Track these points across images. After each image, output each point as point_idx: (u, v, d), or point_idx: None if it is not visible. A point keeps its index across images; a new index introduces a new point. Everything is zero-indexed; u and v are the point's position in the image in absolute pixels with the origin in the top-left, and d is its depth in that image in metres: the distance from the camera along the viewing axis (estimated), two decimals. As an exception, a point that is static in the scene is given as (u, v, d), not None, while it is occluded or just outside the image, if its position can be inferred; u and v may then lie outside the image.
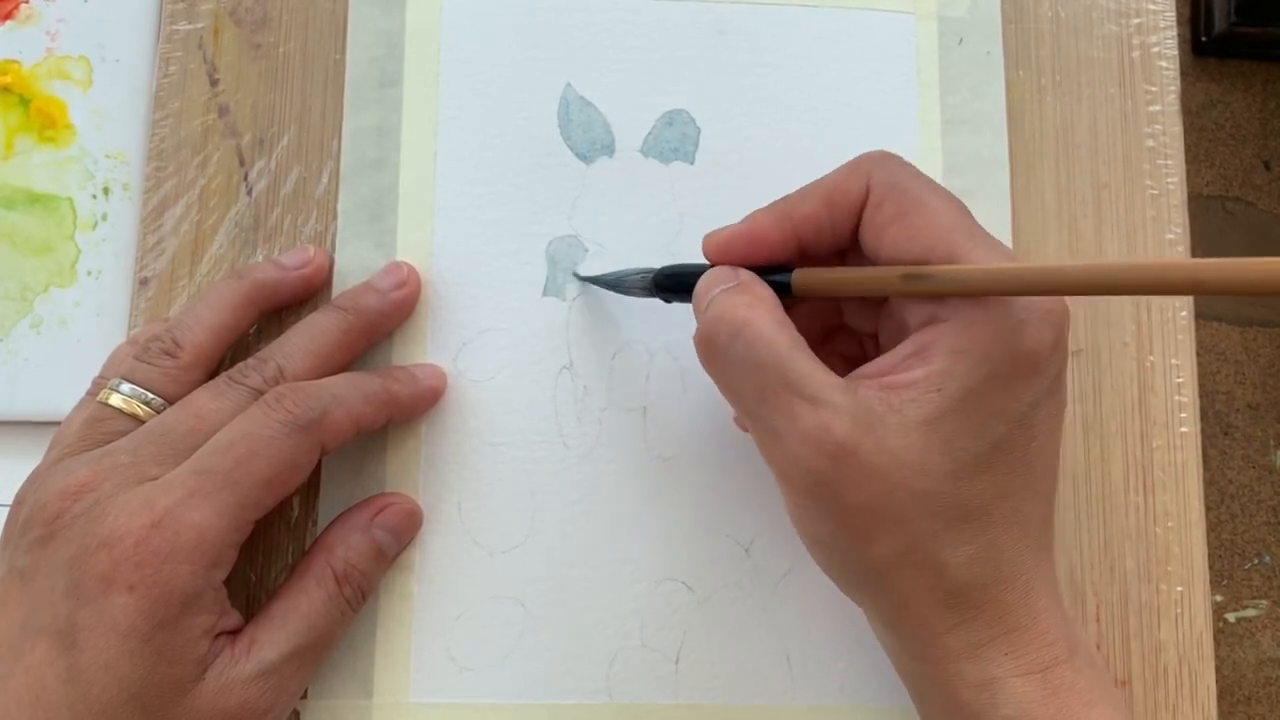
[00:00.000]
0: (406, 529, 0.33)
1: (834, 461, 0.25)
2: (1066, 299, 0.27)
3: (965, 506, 0.26)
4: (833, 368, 0.27)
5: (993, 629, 0.26)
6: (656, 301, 0.32)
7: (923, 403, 0.25)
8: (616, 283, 0.33)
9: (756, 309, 0.27)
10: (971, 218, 0.27)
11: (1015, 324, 0.25)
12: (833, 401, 0.25)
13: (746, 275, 0.29)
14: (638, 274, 0.32)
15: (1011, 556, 0.26)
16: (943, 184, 0.35)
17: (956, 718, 0.27)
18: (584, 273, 0.34)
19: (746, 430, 0.31)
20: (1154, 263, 0.23)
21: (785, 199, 0.29)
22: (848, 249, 0.29)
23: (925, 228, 0.27)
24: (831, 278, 0.28)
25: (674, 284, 0.31)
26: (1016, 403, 0.26)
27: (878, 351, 0.30)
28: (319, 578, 0.30)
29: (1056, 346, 0.26)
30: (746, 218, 0.29)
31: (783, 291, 0.28)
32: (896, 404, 0.25)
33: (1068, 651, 0.26)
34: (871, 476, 0.25)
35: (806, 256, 0.29)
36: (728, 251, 0.29)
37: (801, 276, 0.28)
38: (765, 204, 0.29)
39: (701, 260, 0.30)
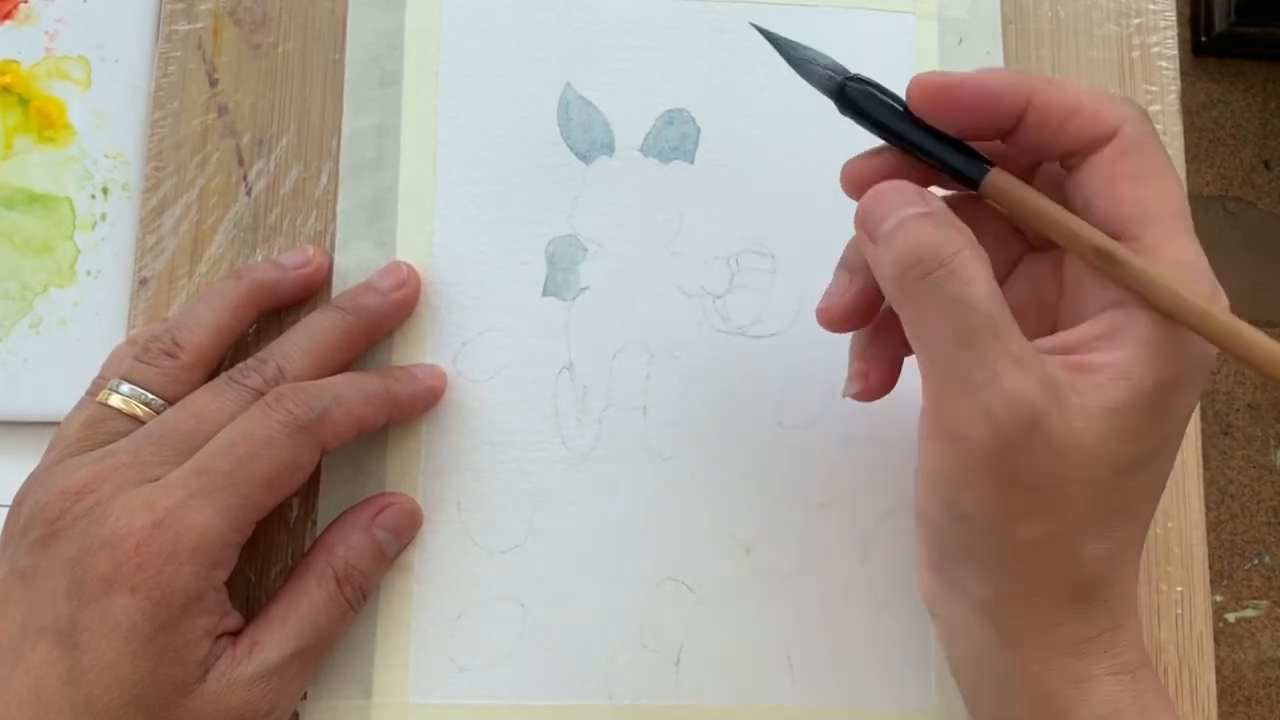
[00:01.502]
0: (407, 529, 0.32)
1: (1024, 430, 0.24)
2: None
3: (1120, 502, 0.25)
4: None
5: (1100, 625, 0.26)
6: (657, 302, 0.32)
7: (1109, 390, 0.24)
8: (799, 61, 0.29)
9: (969, 250, 0.25)
10: (1186, 206, 0.26)
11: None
12: (1035, 368, 0.24)
13: (938, 203, 0.26)
14: (825, 62, 0.28)
15: (1132, 554, 0.26)
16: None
17: (1040, 714, 0.26)
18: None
19: (868, 395, 0.29)
20: None
21: (1038, 76, 0.27)
22: (1043, 174, 0.28)
23: (1155, 200, 0.25)
24: (1028, 197, 0.26)
25: (862, 108, 0.27)
26: (1186, 407, 0.26)
27: (1046, 318, 0.28)
28: (320, 578, 0.30)
29: (1215, 356, 0.26)
30: (980, 72, 0.27)
31: (967, 184, 0.26)
32: (1081, 386, 0.24)
33: (1144, 656, 0.26)
34: (1050, 453, 0.24)
35: (1003, 155, 0.27)
36: (941, 103, 0.26)
37: (999, 181, 0.26)
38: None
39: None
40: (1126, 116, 0.26)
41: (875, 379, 0.30)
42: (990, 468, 0.24)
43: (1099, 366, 0.25)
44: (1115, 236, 0.25)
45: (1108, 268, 0.25)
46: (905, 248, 0.25)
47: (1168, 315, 0.25)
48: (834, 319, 0.29)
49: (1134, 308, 0.25)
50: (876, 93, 0.27)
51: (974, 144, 0.27)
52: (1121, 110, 0.26)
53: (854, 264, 0.29)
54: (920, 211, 0.25)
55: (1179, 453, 0.35)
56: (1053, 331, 0.26)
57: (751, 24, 0.30)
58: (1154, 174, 0.26)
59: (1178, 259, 0.25)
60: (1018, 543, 0.25)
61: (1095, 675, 0.26)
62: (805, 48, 0.29)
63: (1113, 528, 0.25)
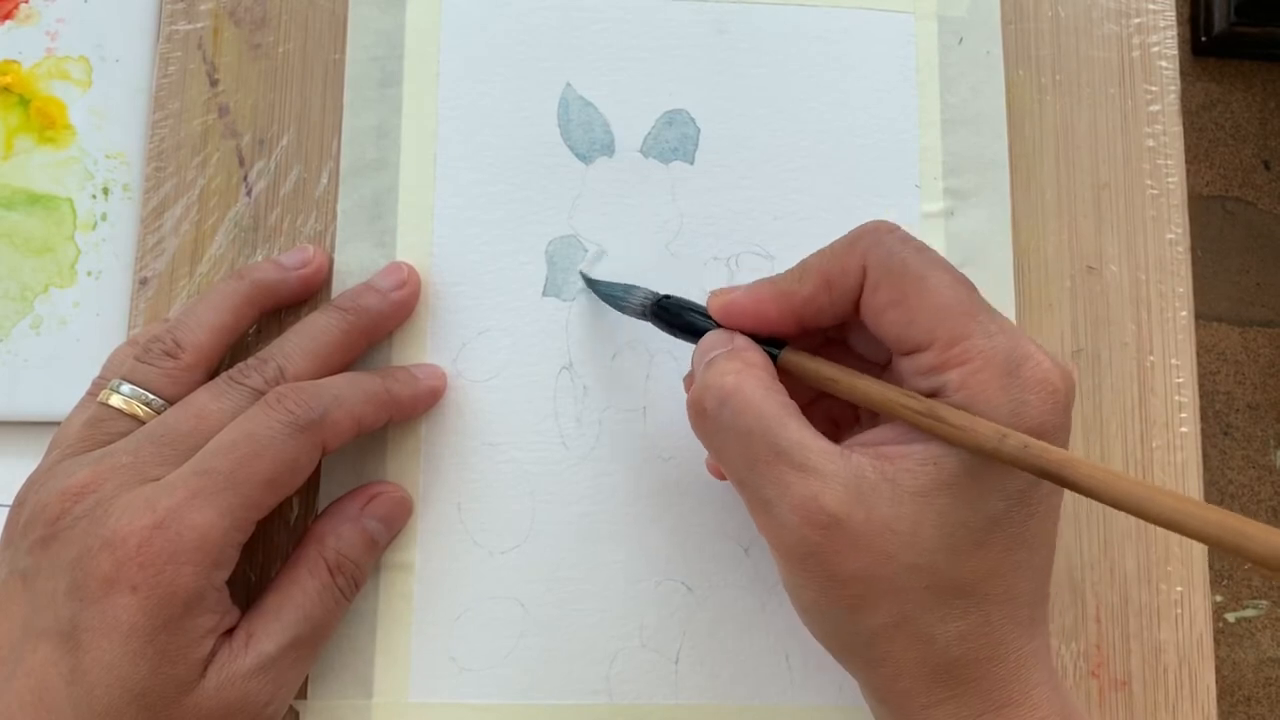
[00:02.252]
0: (397, 517, 0.33)
1: (825, 531, 0.25)
2: (1070, 366, 0.26)
3: (957, 582, 0.25)
4: (822, 431, 0.26)
5: (983, 704, 0.25)
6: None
7: (918, 474, 0.25)
8: (619, 298, 0.33)
9: (745, 375, 0.27)
10: (975, 293, 0.26)
11: (1018, 402, 0.25)
12: (823, 469, 0.25)
13: (741, 340, 0.28)
14: (641, 294, 0.32)
15: (1004, 633, 0.26)
16: (942, 184, 0.36)
17: None
18: (588, 272, 0.34)
19: (720, 478, 0.31)
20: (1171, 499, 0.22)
21: (785, 276, 0.29)
22: (851, 321, 0.29)
23: (923, 311, 0.26)
24: (820, 372, 0.28)
25: (672, 318, 0.31)
26: (1017, 480, 0.25)
27: (870, 415, 0.30)
28: (312, 568, 0.30)
29: (1061, 425, 0.25)
30: (751, 286, 0.29)
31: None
32: (890, 473, 0.25)
33: None
34: (861, 547, 0.25)
35: (807, 332, 0.29)
36: (730, 317, 0.29)
37: (789, 358, 0.28)
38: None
39: (692, 299, 0.30)
40: (865, 249, 0.27)
41: (717, 468, 0.31)
42: (810, 569, 0.26)
43: (906, 455, 0.25)
44: (911, 354, 0.26)
45: (921, 422, 0.26)
46: (698, 385, 0.27)
47: (990, 455, 0.24)
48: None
49: (944, 397, 0.25)
50: (683, 306, 0.31)
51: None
52: (858, 247, 0.27)
53: None
54: (718, 352, 0.28)
55: (1178, 451, 0.35)
56: None
57: (580, 271, 0.34)
58: (911, 289, 0.26)
59: (968, 351, 0.25)
60: (866, 630, 0.26)
61: None
62: (616, 286, 0.33)
63: (961, 608, 0.25)
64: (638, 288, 0.32)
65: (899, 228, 0.28)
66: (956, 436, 0.25)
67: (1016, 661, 0.26)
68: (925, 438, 0.25)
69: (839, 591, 0.25)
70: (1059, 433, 0.25)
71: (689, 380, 0.31)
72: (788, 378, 0.28)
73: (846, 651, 0.27)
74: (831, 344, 0.31)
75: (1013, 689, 0.26)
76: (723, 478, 0.31)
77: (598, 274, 0.34)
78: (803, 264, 0.29)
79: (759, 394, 0.26)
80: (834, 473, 0.25)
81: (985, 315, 0.26)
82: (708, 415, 0.27)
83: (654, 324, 0.31)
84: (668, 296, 0.31)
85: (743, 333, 0.29)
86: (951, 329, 0.25)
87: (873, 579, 0.25)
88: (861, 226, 0.28)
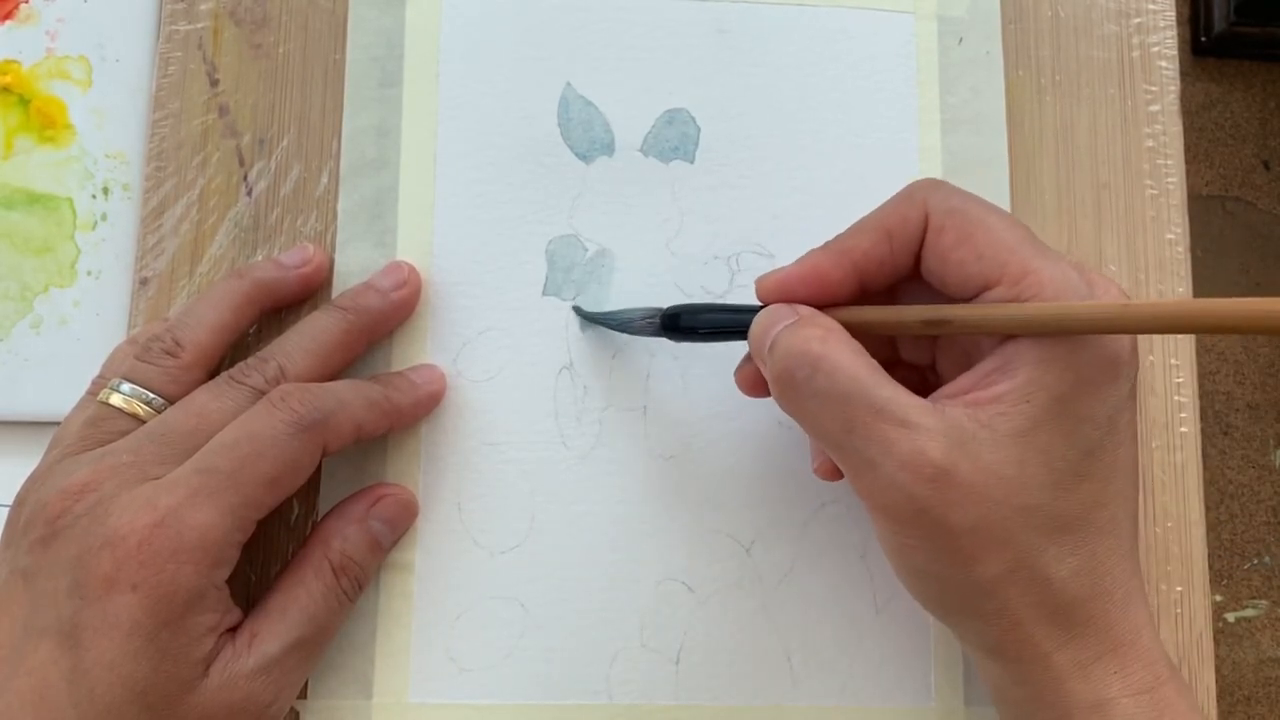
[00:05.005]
0: (402, 519, 0.33)
1: (934, 485, 0.25)
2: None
3: (1066, 517, 0.25)
4: None
5: (1100, 645, 0.26)
6: (657, 300, 0.32)
7: (1013, 415, 0.25)
8: (622, 324, 0.33)
9: (830, 340, 0.27)
10: (1032, 234, 0.27)
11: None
12: (924, 424, 0.25)
13: (805, 309, 0.28)
14: (642, 313, 0.32)
15: (1111, 567, 0.26)
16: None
17: None
18: (584, 306, 0.34)
19: (828, 476, 0.30)
20: (1165, 303, 0.24)
21: (840, 236, 0.29)
22: (905, 279, 0.29)
23: (991, 248, 0.26)
24: (849, 316, 0.28)
25: (691, 324, 0.30)
26: (1104, 407, 0.26)
27: (938, 382, 0.30)
28: (317, 570, 0.30)
29: (1133, 351, 0.26)
30: (802, 258, 0.29)
31: None
32: (985, 419, 0.25)
33: (1168, 671, 0.26)
34: (973, 496, 0.25)
35: (866, 292, 0.29)
36: (786, 293, 0.29)
37: (852, 314, 0.28)
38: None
39: (692, 299, 0.30)
40: (924, 196, 0.28)
41: (830, 466, 0.30)
42: (920, 526, 0.26)
43: (999, 396, 0.25)
44: (979, 294, 0.27)
45: (940, 330, 0.27)
46: (780, 356, 0.27)
47: (1035, 334, 0.25)
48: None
49: (1019, 337, 0.26)
50: (696, 309, 0.31)
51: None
52: (917, 196, 0.28)
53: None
54: (787, 324, 0.27)
55: (1178, 452, 0.35)
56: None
57: (574, 308, 0.34)
58: (976, 228, 0.27)
59: (1041, 281, 0.26)
60: (981, 582, 0.26)
61: (1112, 698, 0.25)
62: (617, 312, 0.33)
63: (1072, 544, 0.26)
64: (633, 310, 0.32)
65: (948, 182, 0.28)
66: (1002, 321, 0.25)
67: (1124, 599, 0.26)
68: (1009, 375, 0.25)
69: (951, 545, 0.25)
70: (1134, 353, 0.26)
71: (744, 372, 0.31)
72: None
73: (959, 609, 0.27)
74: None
75: (1124, 629, 0.26)
76: (833, 478, 0.30)
77: (588, 305, 0.34)
78: (856, 224, 0.29)
79: (847, 355, 0.26)
80: (935, 426, 0.25)
81: (1047, 252, 0.26)
82: (797, 384, 0.27)
83: (669, 338, 0.31)
84: (671, 308, 0.31)
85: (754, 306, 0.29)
86: (1021, 262, 0.26)
87: (985, 528, 0.25)
88: (913, 182, 0.28)
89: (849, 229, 0.29)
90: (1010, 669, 0.27)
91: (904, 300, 0.30)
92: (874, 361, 0.27)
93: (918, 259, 0.28)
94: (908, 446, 0.25)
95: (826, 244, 0.29)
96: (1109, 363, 0.26)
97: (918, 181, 0.28)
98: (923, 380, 0.31)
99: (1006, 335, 0.26)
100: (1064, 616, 0.26)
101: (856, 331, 0.28)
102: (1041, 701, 0.26)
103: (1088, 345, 0.25)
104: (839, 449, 0.27)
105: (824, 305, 0.28)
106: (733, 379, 0.31)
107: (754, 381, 0.30)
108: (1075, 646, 0.26)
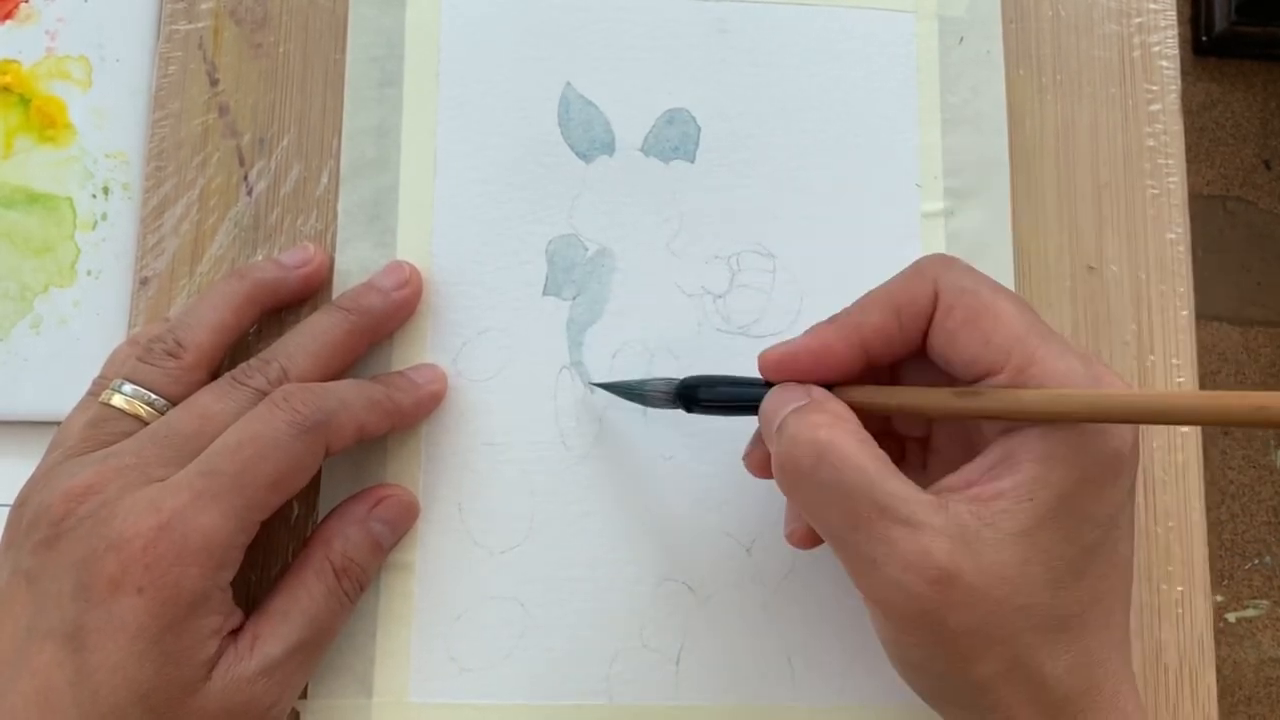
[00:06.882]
0: (403, 520, 0.33)
1: (938, 587, 0.24)
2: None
3: (1063, 615, 0.25)
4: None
5: None
6: (657, 299, 0.32)
7: (1016, 513, 0.25)
8: (638, 393, 0.32)
9: (838, 429, 0.26)
10: (1039, 318, 0.27)
11: (1099, 427, 0.25)
12: (930, 523, 0.24)
13: (818, 392, 0.27)
14: (660, 384, 0.31)
15: (1103, 659, 0.26)
16: (943, 184, 0.36)
17: None
18: (597, 378, 0.34)
19: (802, 544, 0.30)
20: (1202, 396, 0.23)
21: (847, 311, 0.28)
22: (909, 357, 0.29)
23: (998, 333, 0.26)
24: (878, 400, 0.27)
25: (706, 397, 0.30)
26: (1106, 505, 0.25)
27: (925, 455, 0.30)
28: (318, 571, 0.30)
29: (1135, 446, 0.26)
30: (808, 332, 0.28)
31: None
32: (988, 517, 0.25)
33: None
34: (975, 598, 0.24)
35: (869, 368, 0.28)
36: (790, 368, 0.28)
37: (848, 395, 0.28)
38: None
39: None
40: (935, 275, 0.27)
41: (804, 534, 0.30)
42: (921, 627, 0.25)
43: (1001, 493, 0.25)
44: (982, 378, 0.26)
45: (970, 411, 0.26)
46: (786, 442, 0.26)
47: (1047, 421, 0.25)
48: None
49: (1023, 429, 0.25)
50: (712, 382, 0.30)
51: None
52: (927, 274, 0.27)
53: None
54: (796, 407, 0.27)
55: (1178, 452, 0.35)
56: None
57: (592, 383, 0.34)
58: (985, 311, 0.26)
59: (1046, 370, 0.25)
60: (977, 680, 0.25)
61: None
62: (634, 383, 0.32)
63: (1067, 641, 0.25)
64: (652, 380, 0.32)
65: (959, 259, 0.28)
66: (1098, 407, 0.25)
67: (1114, 690, 0.26)
68: (1014, 470, 0.25)
69: (950, 645, 0.25)
70: (1136, 449, 0.26)
71: (753, 456, 0.31)
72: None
73: (953, 702, 0.27)
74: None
75: (1116, 708, 0.26)
76: (806, 545, 0.30)
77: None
78: (861, 300, 0.28)
79: (853, 446, 0.26)
80: (939, 525, 0.24)
81: (1054, 340, 0.26)
82: (803, 474, 0.26)
83: (685, 408, 0.31)
84: (687, 380, 0.31)
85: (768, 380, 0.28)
86: (1025, 351, 0.26)
87: (985, 629, 0.25)
88: (922, 258, 0.28)
89: (856, 303, 0.28)
90: None
91: (905, 377, 0.30)
92: (881, 452, 0.26)
93: (925, 335, 0.28)
94: (912, 547, 0.24)
95: (834, 318, 0.28)
96: (1111, 460, 0.25)
97: (928, 258, 0.28)
98: (902, 454, 0.31)
99: (1011, 425, 0.26)
100: (1056, 711, 0.25)
101: (872, 410, 0.27)
102: None
103: (1091, 441, 0.25)
104: (840, 543, 0.26)
105: (829, 381, 0.28)
106: (736, 365, 0.31)
107: (764, 465, 0.30)
108: None
